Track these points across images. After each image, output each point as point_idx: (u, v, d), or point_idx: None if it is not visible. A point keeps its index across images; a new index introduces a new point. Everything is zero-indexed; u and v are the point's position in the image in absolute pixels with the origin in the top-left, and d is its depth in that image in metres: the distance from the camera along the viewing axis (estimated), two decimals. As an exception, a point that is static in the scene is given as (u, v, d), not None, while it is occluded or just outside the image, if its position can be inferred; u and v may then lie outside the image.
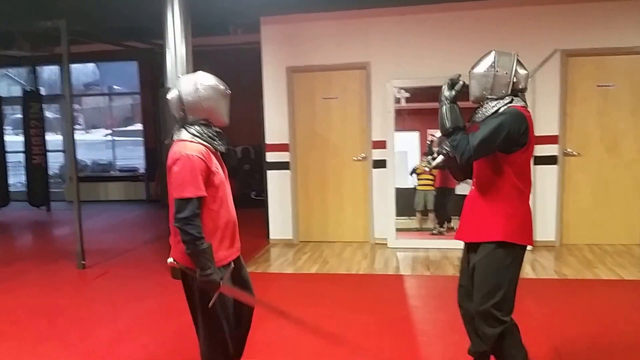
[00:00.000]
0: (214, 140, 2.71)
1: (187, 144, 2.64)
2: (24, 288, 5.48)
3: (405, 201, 6.98)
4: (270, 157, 6.99)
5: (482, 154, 2.71)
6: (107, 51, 9.69)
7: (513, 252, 2.79)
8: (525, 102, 2.84)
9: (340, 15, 6.66)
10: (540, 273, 5.49)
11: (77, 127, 14.10)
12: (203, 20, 6.65)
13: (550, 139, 6.32)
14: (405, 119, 6.89)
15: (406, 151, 7.25)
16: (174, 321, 4.38)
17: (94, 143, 14.03)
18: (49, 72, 13.22)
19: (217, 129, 2.75)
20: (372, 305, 4.67)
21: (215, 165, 2.70)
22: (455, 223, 6.93)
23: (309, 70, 6.86)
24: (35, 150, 9.82)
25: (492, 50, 2.85)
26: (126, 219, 8.74)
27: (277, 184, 7.00)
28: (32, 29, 7.45)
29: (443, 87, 2.87)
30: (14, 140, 11.72)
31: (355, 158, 6.84)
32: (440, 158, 2.94)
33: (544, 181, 6.38)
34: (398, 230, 6.67)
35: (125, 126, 16.63)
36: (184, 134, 2.68)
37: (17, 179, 11.35)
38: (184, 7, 5.39)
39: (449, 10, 6.44)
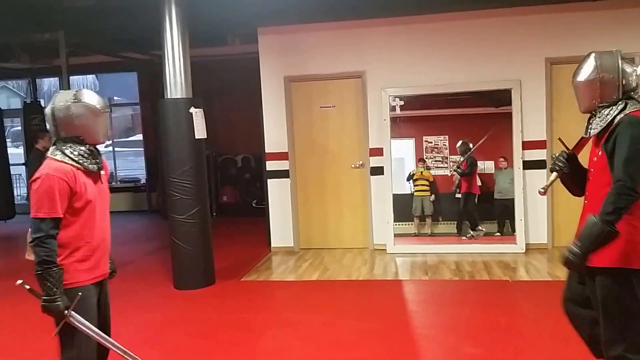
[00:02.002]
0: (86, 159, 2.61)
1: (53, 162, 2.56)
2: (26, 302, 5.47)
3: (403, 207, 7.08)
4: (270, 165, 7.09)
5: None
6: (107, 62, 9.77)
7: (637, 278, 2.48)
8: None
9: (336, 25, 6.78)
10: (533, 275, 5.61)
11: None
12: (201, 31, 6.77)
13: (539, 144, 6.44)
14: (400, 126, 7.00)
15: (403, 158, 7.36)
16: (175, 334, 4.46)
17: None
18: (49, 84, 13.33)
19: (91, 147, 2.66)
20: (372, 311, 4.76)
21: (82, 185, 2.59)
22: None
23: (307, 80, 6.98)
24: (38, 162, 9.84)
25: (591, 53, 2.62)
26: (128, 229, 8.83)
27: (277, 192, 7.11)
28: (31, 41, 7.53)
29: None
30: (13, 152, 11.82)
31: (353, 165, 6.95)
32: (554, 175, 2.78)
33: (534, 185, 6.48)
34: (396, 235, 6.77)
35: (126, 137, 16.75)
36: (55, 152, 2.60)
37: (17, 191, 11.40)
38: (182, 18, 5.49)
39: (440, 21, 6.57)
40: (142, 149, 11.22)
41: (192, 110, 5.48)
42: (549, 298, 4.89)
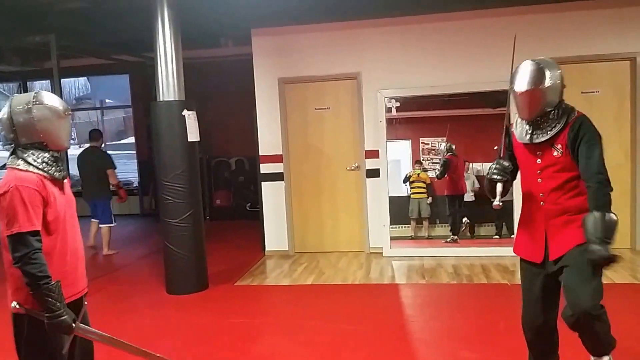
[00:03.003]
0: (51, 166, 2.42)
1: (19, 172, 2.35)
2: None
3: (399, 210, 7.02)
4: (264, 168, 7.01)
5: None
6: (98, 65, 9.69)
7: None
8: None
9: (331, 26, 6.72)
10: (534, 279, 5.51)
11: (69, 141, 14.05)
12: (194, 33, 6.70)
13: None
14: (396, 128, 6.94)
15: (399, 160, 7.31)
16: (169, 340, 4.37)
17: (86, 157, 14.03)
18: (40, 87, 13.22)
19: (56, 154, 2.47)
20: (369, 315, 4.69)
21: (52, 195, 2.40)
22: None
23: (301, 81, 6.91)
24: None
25: (528, 61, 2.71)
26: (121, 233, 8.70)
27: (271, 195, 7.02)
28: (22, 44, 7.45)
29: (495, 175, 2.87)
30: (5, 155, 11.71)
31: (348, 168, 6.87)
32: (500, 186, 2.86)
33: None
34: (393, 238, 6.69)
35: (118, 140, 16.65)
36: (16, 161, 2.39)
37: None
38: (174, 20, 5.42)
39: (437, 21, 6.51)
40: (135, 152, 11.11)
41: (185, 112, 5.40)
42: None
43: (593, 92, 6.30)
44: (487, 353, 3.80)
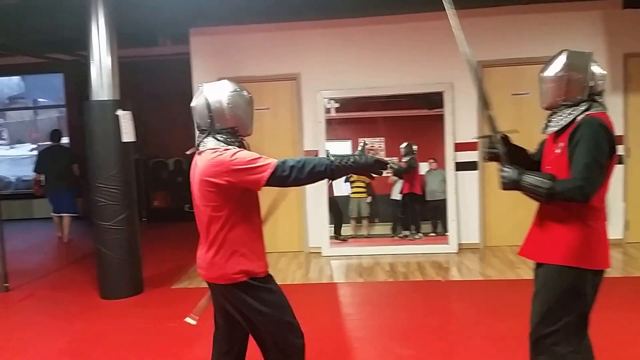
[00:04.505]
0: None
1: (222, 150, 2.47)
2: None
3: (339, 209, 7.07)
4: (203, 169, 6.92)
5: (594, 191, 2.36)
6: (32, 64, 9.37)
7: (580, 277, 2.43)
8: (604, 105, 2.52)
9: (270, 27, 6.71)
10: (465, 275, 5.69)
11: (0, 142, 13.49)
12: (131, 31, 6.55)
13: (470, 146, 6.53)
14: (336, 128, 7.00)
15: (339, 160, 7.35)
16: (102, 345, 4.25)
17: (18, 158, 13.43)
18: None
19: (242, 140, 2.60)
20: (307, 315, 4.60)
21: None
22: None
23: (240, 82, 6.60)
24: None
25: (563, 50, 2.57)
26: (53, 237, 8.42)
27: (210, 196, 6.93)
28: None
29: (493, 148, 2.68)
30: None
31: (288, 168, 6.85)
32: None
33: (466, 186, 6.61)
34: (332, 238, 6.73)
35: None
36: (213, 143, 2.50)
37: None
38: (109, 18, 5.29)
39: (375, 24, 6.61)
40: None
41: (119, 112, 5.27)
42: (481, 297, 5.00)
43: (523, 94, 6.51)
44: (422, 349, 3.87)
